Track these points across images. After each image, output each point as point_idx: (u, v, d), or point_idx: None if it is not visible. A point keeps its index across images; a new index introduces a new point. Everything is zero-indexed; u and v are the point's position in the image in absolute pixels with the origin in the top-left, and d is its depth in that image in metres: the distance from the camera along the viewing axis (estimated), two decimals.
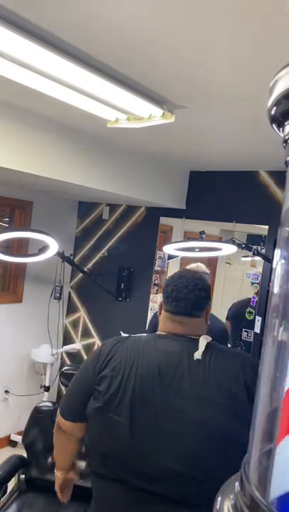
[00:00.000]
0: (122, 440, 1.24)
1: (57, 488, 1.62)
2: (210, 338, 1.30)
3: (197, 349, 1.25)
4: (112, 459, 1.28)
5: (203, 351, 1.25)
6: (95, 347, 4.03)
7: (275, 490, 0.45)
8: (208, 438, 1.18)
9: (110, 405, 1.26)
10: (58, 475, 1.59)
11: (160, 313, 1.40)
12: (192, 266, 2.74)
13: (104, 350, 1.34)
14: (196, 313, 1.33)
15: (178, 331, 1.33)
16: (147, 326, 2.96)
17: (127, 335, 1.45)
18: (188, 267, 2.65)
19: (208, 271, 2.73)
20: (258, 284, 3.11)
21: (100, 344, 3.95)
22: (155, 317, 2.84)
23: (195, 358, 1.24)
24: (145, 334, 1.43)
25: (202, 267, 2.72)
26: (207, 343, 1.27)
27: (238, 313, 3.17)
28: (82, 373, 1.40)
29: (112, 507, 1.34)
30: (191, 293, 1.32)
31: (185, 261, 3.52)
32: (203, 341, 1.27)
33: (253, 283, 3.13)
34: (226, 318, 3.24)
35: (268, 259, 2.90)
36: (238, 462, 0.53)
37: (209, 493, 0.59)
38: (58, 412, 1.42)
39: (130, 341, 1.34)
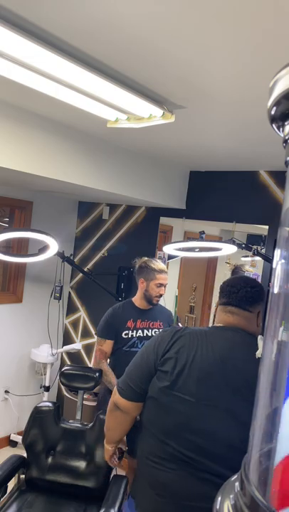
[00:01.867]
0: (187, 417, 1.35)
1: (107, 458, 1.77)
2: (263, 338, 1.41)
3: (253, 342, 1.39)
4: (175, 436, 1.36)
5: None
6: (95, 347, 4.03)
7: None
8: None
9: (176, 384, 1.37)
10: (109, 448, 1.73)
11: (216, 311, 1.58)
12: (144, 259, 2.80)
13: (167, 335, 1.48)
14: (245, 306, 1.50)
15: (230, 321, 1.50)
16: (102, 325, 2.88)
17: (184, 326, 1.58)
18: (141, 259, 2.81)
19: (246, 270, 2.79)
20: None
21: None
22: (112, 313, 2.84)
23: (257, 357, 1.36)
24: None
25: (150, 261, 2.80)
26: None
27: None
28: (143, 356, 1.51)
29: (169, 487, 1.38)
30: (242, 288, 1.52)
31: (185, 261, 3.52)
32: (261, 341, 1.39)
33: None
34: None
35: (268, 259, 2.90)
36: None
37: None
38: (116, 391, 1.53)
39: (192, 330, 1.50)
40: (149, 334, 2.76)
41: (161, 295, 2.75)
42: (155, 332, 2.78)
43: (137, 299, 2.80)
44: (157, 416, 1.43)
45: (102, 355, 2.75)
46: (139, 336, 2.74)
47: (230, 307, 1.51)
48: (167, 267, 3.67)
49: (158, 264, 2.78)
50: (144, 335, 2.75)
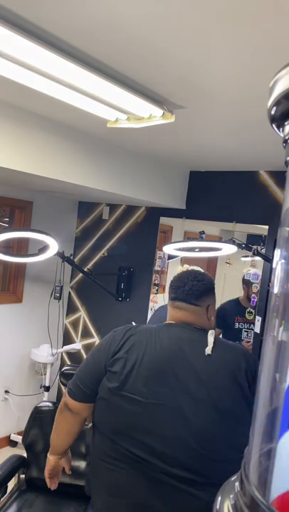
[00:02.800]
0: (136, 416, 1.33)
1: (46, 473, 1.68)
2: (214, 333, 1.42)
3: (202, 338, 1.40)
4: (126, 436, 1.35)
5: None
6: None
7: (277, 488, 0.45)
8: (220, 417, 1.28)
9: (125, 384, 1.35)
10: (51, 459, 1.65)
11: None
12: (186, 266, 2.76)
13: (118, 335, 1.46)
14: (192, 301, 1.48)
15: (178, 317, 1.49)
16: (149, 319, 2.93)
17: (137, 324, 1.58)
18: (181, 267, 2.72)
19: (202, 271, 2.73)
20: (258, 284, 3.10)
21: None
22: (160, 311, 2.83)
23: (206, 354, 1.36)
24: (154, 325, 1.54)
25: (197, 269, 2.73)
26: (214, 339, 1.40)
27: (223, 322, 3.08)
28: (94, 356, 1.49)
29: (120, 488, 1.37)
30: (189, 282, 1.50)
31: (185, 261, 3.52)
32: (211, 337, 1.38)
33: (253, 283, 3.13)
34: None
35: (268, 259, 2.90)
36: (246, 442, 0.54)
37: (222, 473, 0.62)
38: (66, 392, 1.50)
39: (142, 328, 1.49)
40: None
41: None
42: None
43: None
44: (107, 416, 1.41)
45: None
46: None
47: (178, 302, 1.50)
48: (167, 267, 3.67)
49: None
50: None
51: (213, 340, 1.38)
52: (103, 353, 1.45)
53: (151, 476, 1.30)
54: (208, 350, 1.35)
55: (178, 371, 1.34)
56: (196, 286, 1.49)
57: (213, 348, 1.36)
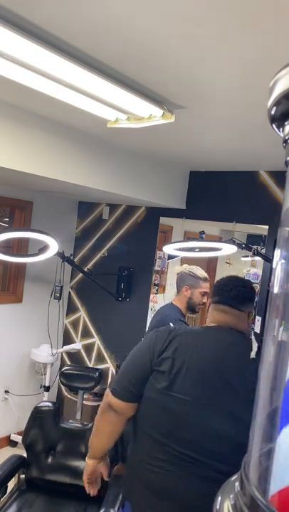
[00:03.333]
0: (186, 416, 1.35)
1: (85, 478, 1.65)
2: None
3: (246, 341, 1.49)
4: (174, 436, 1.36)
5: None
6: (95, 347, 4.03)
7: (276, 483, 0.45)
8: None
9: (174, 384, 1.38)
10: (90, 463, 1.62)
11: (208, 306, 1.62)
12: (185, 266, 2.77)
13: (162, 335, 1.47)
14: (237, 305, 1.52)
15: (222, 320, 1.51)
16: (151, 320, 2.94)
17: (175, 326, 1.64)
18: (180, 267, 2.75)
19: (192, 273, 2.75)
20: (258, 284, 3.10)
21: (99, 344, 3.96)
22: (161, 311, 2.83)
23: (252, 358, 1.44)
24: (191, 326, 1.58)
25: (196, 269, 2.75)
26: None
27: None
28: (138, 355, 1.49)
29: (168, 488, 1.38)
30: (235, 288, 1.54)
31: (185, 261, 3.52)
32: (255, 343, 1.43)
33: (253, 283, 3.13)
34: None
35: (268, 259, 2.90)
36: None
37: None
38: (110, 392, 1.49)
39: (186, 329, 1.52)
40: None
41: (204, 303, 2.73)
42: None
43: (183, 308, 2.76)
44: (155, 417, 1.42)
45: None
46: None
47: (223, 306, 1.52)
48: (167, 267, 3.67)
49: (202, 272, 2.77)
50: None
51: (257, 345, 1.47)
52: (147, 352, 1.45)
53: (200, 475, 1.32)
54: (253, 354, 1.43)
55: (225, 372, 1.37)
56: (242, 292, 1.54)
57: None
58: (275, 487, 0.44)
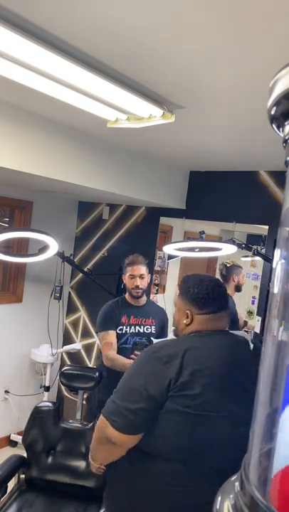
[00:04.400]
0: (224, 432, 1.30)
1: (94, 470, 1.57)
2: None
3: (241, 338, 1.48)
4: (202, 454, 1.31)
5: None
6: (95, 347, 4.03)
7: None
8: None
9: (200, 404, 1.29)
10: (96, 465, 1.55)
11: (191, 318, 1.48)
12: None
13: (168, 359, 1.34)
14: (226, 306, 1.52)
15: (220, 327, 1.48)
16: (101, 319, 2.89)
17: (168, 338, 1.57)
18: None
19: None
20: (257, 284, 3.10)
21: (99, 344, 3.95)
22: (109, 307, 2.82)
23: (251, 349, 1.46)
24: (173, 337, 1.56)
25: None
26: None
27: None
28: (143, 384, 1.33)
29: (199, 507, 1.30)
30: (216, 289, 1.50)
31: (185, 261, 3.52)
32: (248, 336, 1.43)
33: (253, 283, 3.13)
34: None
35: (268, 259, 2.90)
36: None
37: None
38: (109, 425, 1.33)
39: (189, 344, 1.39)
40: (141, 331, 2.77)
41: (137, 286, 2.73)
42: (147, 329, 2.80)
43: (127, 296, 2.84)
44: (184, 440, 1.32)
45: (109, 347, 2.66)
46: (132, 332, 2.76)
47: (220, 313, 1.48)
48: (167, 267, 3.67)
49: (131, 257, 2.81)
50: (137, 331, 2.76)
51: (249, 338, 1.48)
52: (156, 380, 1.32)
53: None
54: (251, 347, 1.44)
55: (240, 379, 1.34)
56: (223, 291, 1.52)
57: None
58: (278, 464, 0.44)
